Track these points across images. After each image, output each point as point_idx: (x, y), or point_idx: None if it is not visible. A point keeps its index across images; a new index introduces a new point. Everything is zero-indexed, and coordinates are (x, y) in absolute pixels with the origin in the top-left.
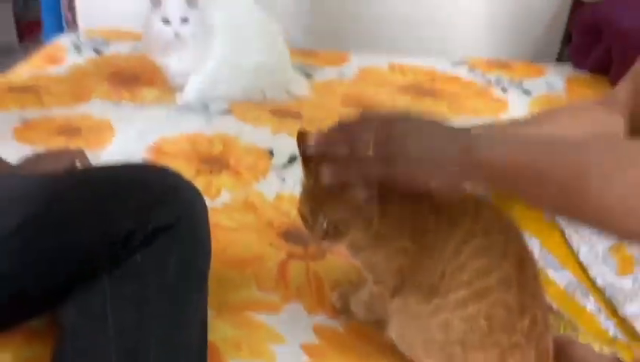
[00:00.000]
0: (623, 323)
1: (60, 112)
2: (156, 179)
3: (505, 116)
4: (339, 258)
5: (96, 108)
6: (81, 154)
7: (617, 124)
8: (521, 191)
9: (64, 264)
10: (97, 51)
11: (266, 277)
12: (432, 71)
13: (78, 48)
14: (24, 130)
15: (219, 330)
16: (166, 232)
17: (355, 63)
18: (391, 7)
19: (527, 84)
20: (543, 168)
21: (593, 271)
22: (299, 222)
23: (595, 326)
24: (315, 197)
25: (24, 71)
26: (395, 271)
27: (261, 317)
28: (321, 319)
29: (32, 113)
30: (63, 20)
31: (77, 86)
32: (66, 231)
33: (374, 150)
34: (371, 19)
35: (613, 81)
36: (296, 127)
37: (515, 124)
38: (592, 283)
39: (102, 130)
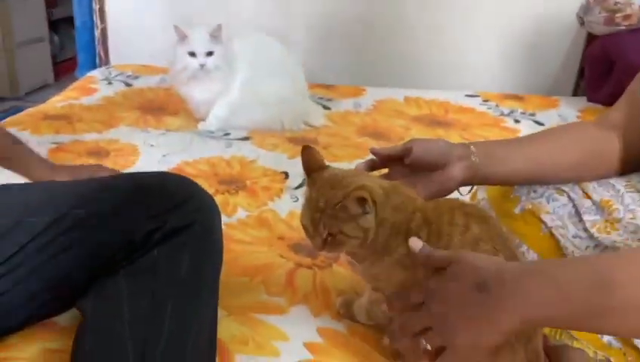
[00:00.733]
0: None
1: (90, 137)
2: (174, 185)
3: None
4: (346, 269)
5: (123, 134)
6: (105, 168)
7: (611, 141)
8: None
9: (88, 259)
10: (127, 84)
11: (274, 283)
12: (447, 103)
13: (109, 81)
14: (57, 152)
15: (227, 328)
16: (182, 232)
17: (371, 96)
18: (407, 44)
19: (540, 115)
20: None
21: None
22: None
23: (589, 333)
24: (316, 207)
25: (58, 101)
26: (396, 284)
27: (268, 318)
28: (325, 321)
29: (65, 138)
30: (97, 57)
31: (107, 114)
32: (91, 230)
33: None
34: (387, 55)
35: None
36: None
37: (516, 142)
38: None
39: (128, 153)
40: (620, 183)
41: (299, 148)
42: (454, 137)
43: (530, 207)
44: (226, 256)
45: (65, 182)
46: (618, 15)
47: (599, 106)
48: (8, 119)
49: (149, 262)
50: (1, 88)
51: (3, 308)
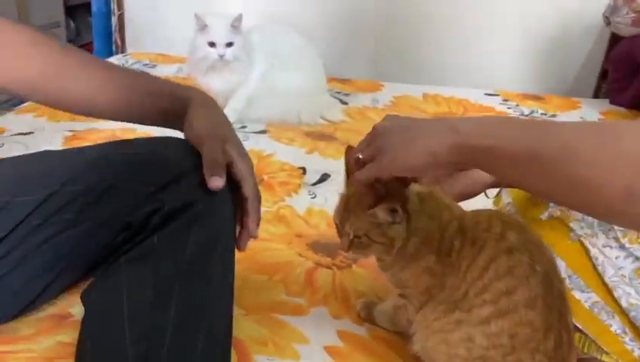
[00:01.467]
0: None
1: (107, 126)
2: (175, 157)
3: None
4: (365, 270)
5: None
6: None
7: None
8: (511, 172)
9: (84, 243)
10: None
11: (293, 283)
12: (466, 101)
13: None
14: (73, 139)
15: (246, 328)
16: (184, 212)
17: (389, 91)
18: (427, 39)
19: (562, 117)
20: (532, 148)
21: (618, 293)
22: (327, 234)
23: (619, 346)
24: (347, 207)
25: None
26: (422, 290)
27: (287, 319)
28: (346, 324)
29: (81, 125)
30: (113, 45)
31: None
32: (85, 209)
33: (364, 152)
34: (407, 50)
35: None
36: (329, 148)
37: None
38: (617, 304)
39: None
40: None
41: (316, 143)
42: None
43: (558, 213)
44: (245, 253)
45: (60, 152)
46: None
47: (622, 109)
48: (25, 105)
49: (149, 250)
50: None
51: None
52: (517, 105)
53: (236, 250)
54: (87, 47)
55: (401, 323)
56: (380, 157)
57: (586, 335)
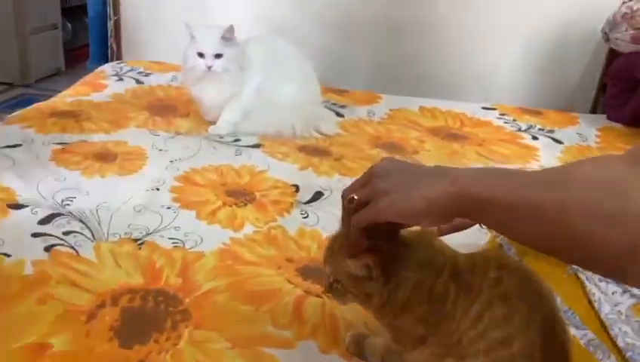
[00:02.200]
0: None
1: (98, 138)
2: None
3: (535, 164)
4: None
5: (132, 136)
6: None
7: None
8: (510, 225)
9: None
10: (138, 81)
11: (281, 313)
12: (462, 115)
13: (119, 77)
14: (62, 153)
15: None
16: None
17: (386, 104)
18: (423, 52)
19: (559, 133)
20: (533, 201)
21: (615, 331)
22: (318, 257)
23: None
24: (332, 247)
25: (67, 96)
26: (416, 338)
27: (274, 352)
28: (334, 359)
29: (71, 137)
30: (109, 50)
31: (116, 113)
32: None
33: (359, 193)
34: (403, 62)
35: None
36: (322, 164)
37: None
38: (613, 342)
39: (136, 157)
40: None
41: (310, 159)
42: (470, 153)
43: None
44: (232, 279)
45: None
46: None
47: (619, 126)
48: (16, 114)
49: None
50: (12, 75)
51: None
52: (514, 120)
53: None
54: (84, 49)
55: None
56: (376, 201)
57: None
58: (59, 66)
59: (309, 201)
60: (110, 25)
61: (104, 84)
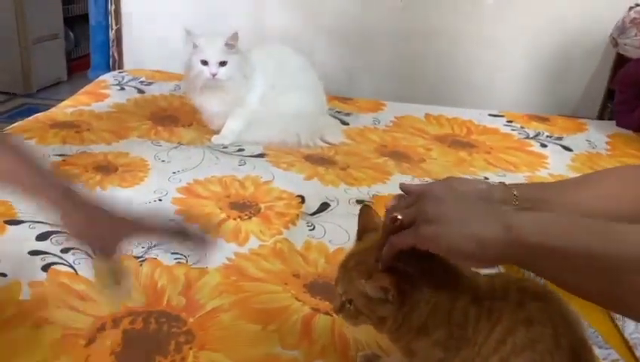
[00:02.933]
0: None
1: (99, 149)
2: None
3: (544, 172)
4: None
5: (134, 147)
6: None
7: None
8: (566, 275)
9: None
10: (139, 90)
11: (289, 333)
12: (469, 122)
13: (121, 86)
14: (62, 165)
15: None
16: None
17: (391, 111)
18: (430, 60)
19: (568, 140)
20: (595, 252)
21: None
22: (326, 272)
23: None
24: (346, 265)
25: (68, 106)
26: None
27: None
28: None
29: (71, 148)
30: (110, 59)
31: (117, 123)
32: None
33: (404, 214)
34: (409, 69)
35: None
36: (328, 173)
37: (555, 185)
38: None
39: (138, 168)
40: None
41: (315, 169)
42: (478, 161)
43: None
44: (238, 297)
45: None
46: None
47: (629, 132)
48: (16, 125)
49: None
50: (14, 84)
51: None
52: (522, 127)
53: None
54: (86, 58)
55: None
56: (423, 227)
57: None
58: (61, 76)
59: (315, 213)
60: (111, 34)
61: (105, 94)
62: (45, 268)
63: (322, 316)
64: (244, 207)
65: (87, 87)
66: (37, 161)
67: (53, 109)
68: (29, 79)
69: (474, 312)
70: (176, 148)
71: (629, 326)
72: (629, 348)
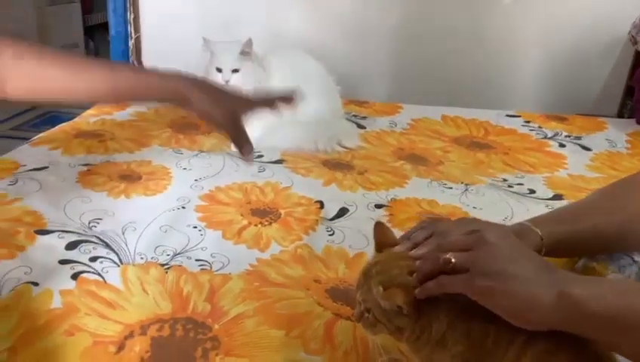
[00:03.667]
0: None
1: (122, 158)
2: None
3: (563, 173)
4: None
5: (156, 155)
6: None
7: None
8: (628, 342)
9: None
10: None
11: (312, 338)
12: (487, 123)
13: None
14: (88, 175)
15: None
16: None
17: (408, 114)
18: (445, 60)
19: (587, 139)
20: None
21: None
22: (346, 277)
23: None
24: (367, 273)
25: (91, 115)
26: None
27: None
28: None
29: (96, 158)
30: None
31: (139, 132)
32: None
33: (459, 258)
34: (424, 70)
35: None
36: (346, 178)
37: (583, 207)
38: None
39: (160, 176)
40: None
41: (333, 174)
42: (496, 163)
43: (593, 265)
44: (260, 303)
45: None
46: None
47: None
48: (42, 135)
49: None
50: None
51: None
52: (539, 127)
53: None
54: None
55: None
56: (478, 280)
57: None
58: None
59: (334, 218)
60: (131, 43)
61: (127, 103)
62: (75, 276)
63: (344, 321)
64: (265, 213)
65: None
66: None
67: (77, 119)
68: None
69: (494, 326)
70: (197, 155)
71: None
72: None
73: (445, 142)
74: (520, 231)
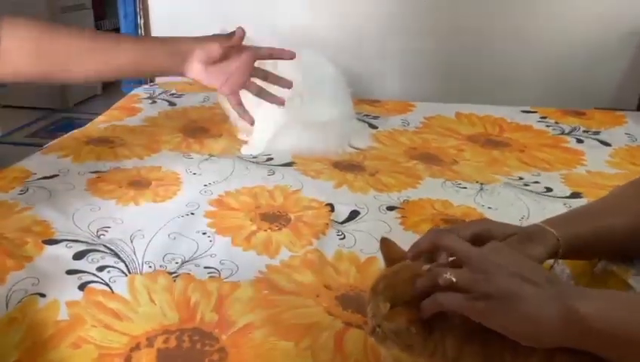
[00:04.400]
0: None
1: (132, 164)
2: None
3: (581, 169)
4: None
5: (165, 160)
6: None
7: None
8: (628, 359)
9: None
10: (170, 103)
11: (322, 349)
12: (502, 120)
13: (153, 100)
14: (97, 182)
15: None
16: None
17: (421, 112)
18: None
19: (606, 134)
20: None
21: None
22: (357, 282)
23: None
24: (376, 287)
25: (102, 122)
26: None
27: None
28: None
29: (105, 165)
30: None
31: (149, 137)
32: None
33: (460, 279)
34: (436, 66)
35: None
36: (357, 180)
37: (599, 207)
38: None
39: (170, 182)
40: None
41: (344, 176)
42: (512, 161)
43: (613, 268)
44: (269, 312)
45: None
46: None
47: None
48: (53, 143)
49: None
50: (52, 100)
51: None
52: (556, 123)
53: None
54: None
55: None
56: (478, 300)
57: None
58: (96, 90)
59: (345, 221)
60: None
61: (138, 108)
62: (82, 286)
63: (354, 330)
64: (275, 218)
65: (120, 102)
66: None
67: (88, 125)
68: (66, 95)
69: (511, 339)
70: (207, 160)
71: None
72: None
73: (459, 141)
74: (536, 232)
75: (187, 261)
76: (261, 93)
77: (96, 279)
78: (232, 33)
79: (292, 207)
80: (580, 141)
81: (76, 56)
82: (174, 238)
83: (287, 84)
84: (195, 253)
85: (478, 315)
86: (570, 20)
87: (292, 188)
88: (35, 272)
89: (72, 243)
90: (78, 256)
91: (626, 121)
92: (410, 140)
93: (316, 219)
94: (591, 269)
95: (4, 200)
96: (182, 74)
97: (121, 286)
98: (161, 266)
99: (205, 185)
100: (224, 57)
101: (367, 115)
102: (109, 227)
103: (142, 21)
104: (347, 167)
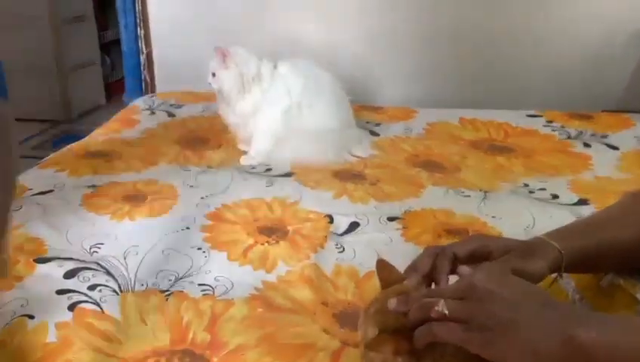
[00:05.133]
0: None
1: (128, 177)
2: None
3: (589, 175)
4: None
5: (162, 173)
6: None
7: None
8: None
9: None
10: (169, 113)
11: None
12: (506, 125)
13: (152, 111)
14: (92, 197)
15: None
16: None
17: (423, 118)
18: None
19: (614, 137)
20: None
21: None
22: (355, 299)
23: None
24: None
25: (100, 134)
26: None
27: None
28: None
29: (102, 179)
30: (142, 82)
31: (147, 150)
32: None
33: (453, 310)
34: (439, 70)
35: None
36: (357, 190)
37: (601, 219)
38: None
39: (166, 196)
40: None
41: (344, 186)
42: (517, 167)
43: (620, 282)
44: (263, 332)
45: None
46: None
47: None
48: (50, 157)
49: None
50: (55, 112)
51: None
52: (562, 127)
53: None
54: (123, 81)
55: None
56: (475, 332)
57: None
58: (99, 100)
59: (345, 233)
60: (142, 58)
61: (136, 120)
62: (72, 307)
63: (351, 349)
64: (272, 231)
65: (119, 114)
66: None
67: (86, 138)
68: (69, 106)
69: None
70: (204, 172)
71: None
72: None
73: (463, 147)
74: (537, 245)
75: (181, 278)
76: None
77: (86, 299)
78: None
79: (290, 220)
80: (587, 145)
81: None
82: (168, 254)
83: None
84: (189, 269)
85: (476, 347)
86: (576, 22)
87: (291, 200)
88: (25, 292)
89: (63, 262)
90: (69, 274)
91: (634, 124)
92: (413, 147)
93: (315, 232)
94: (597, 282)
95: None
96: None
97: (112, 305)
98: (153, 284)
99: (202, 198)
100: None
101: (368, 122)
102: (102, 244)
103: (142, 32)
104: (347, 176)
